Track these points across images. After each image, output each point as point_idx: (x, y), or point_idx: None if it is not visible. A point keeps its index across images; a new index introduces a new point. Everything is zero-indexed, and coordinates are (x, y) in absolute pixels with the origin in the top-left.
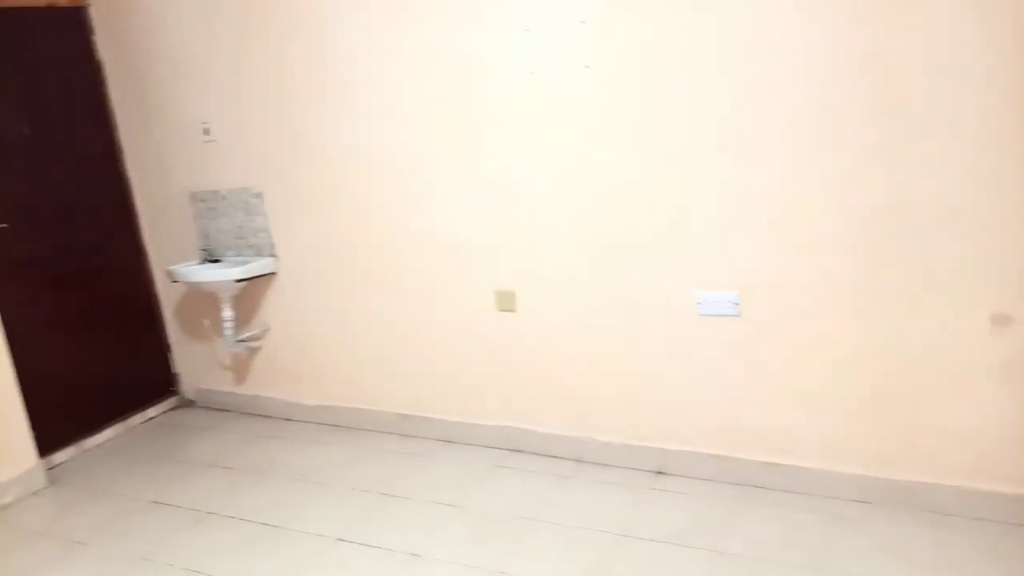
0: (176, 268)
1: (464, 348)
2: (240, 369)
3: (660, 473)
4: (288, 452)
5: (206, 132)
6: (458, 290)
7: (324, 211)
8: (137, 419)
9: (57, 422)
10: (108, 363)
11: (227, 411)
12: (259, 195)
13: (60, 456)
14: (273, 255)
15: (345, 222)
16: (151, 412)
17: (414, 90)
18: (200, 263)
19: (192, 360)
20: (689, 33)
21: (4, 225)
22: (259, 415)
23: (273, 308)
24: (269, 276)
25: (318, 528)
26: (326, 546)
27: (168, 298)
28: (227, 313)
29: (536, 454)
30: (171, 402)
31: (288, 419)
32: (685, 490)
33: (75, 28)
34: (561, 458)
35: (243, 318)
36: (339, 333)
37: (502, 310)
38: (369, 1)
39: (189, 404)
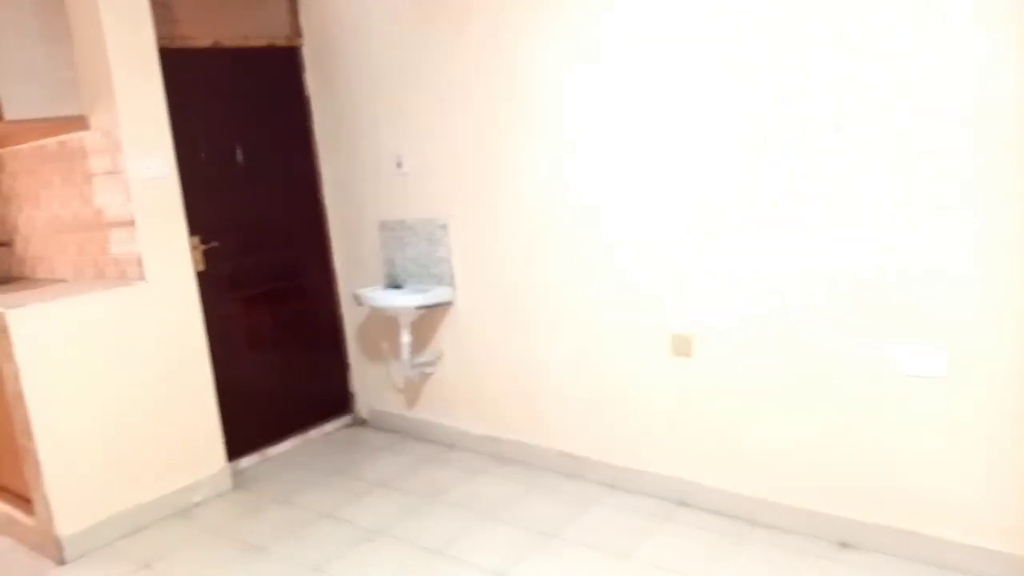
0: (362, 292)
1: (635, 391)
2: (412, 393)
3: (844, 545)
4: (455, 480)
5: (399, 165)
6: (632, 332)
7: (504, 245)
8: (315, 433)
9: (245, 430)
10: (293, 378)
11: (397, 433)
12: (444, 227)
13: (245, 462)
14: (452, 285)
15: (524, 257)
16: (328, 428)
17: (602, 127)
18: (384, 288)
19: (369, 381)
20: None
21: (215, 244)
22: (427, 440)
23: (449, 336)
24: (447, 305)
25: (481, 560)
26: None
27: (351, 320)
28: (405, 338)
29: (705, 509)
30: (346, 420)
31: (454, 446)
32: (873, 569)
33: (289, 66)
34: (732, 517)
35: (419, 344)
36: (510, 366)
37: (677, 355)
38: (560, 40)
39: (362, 423)
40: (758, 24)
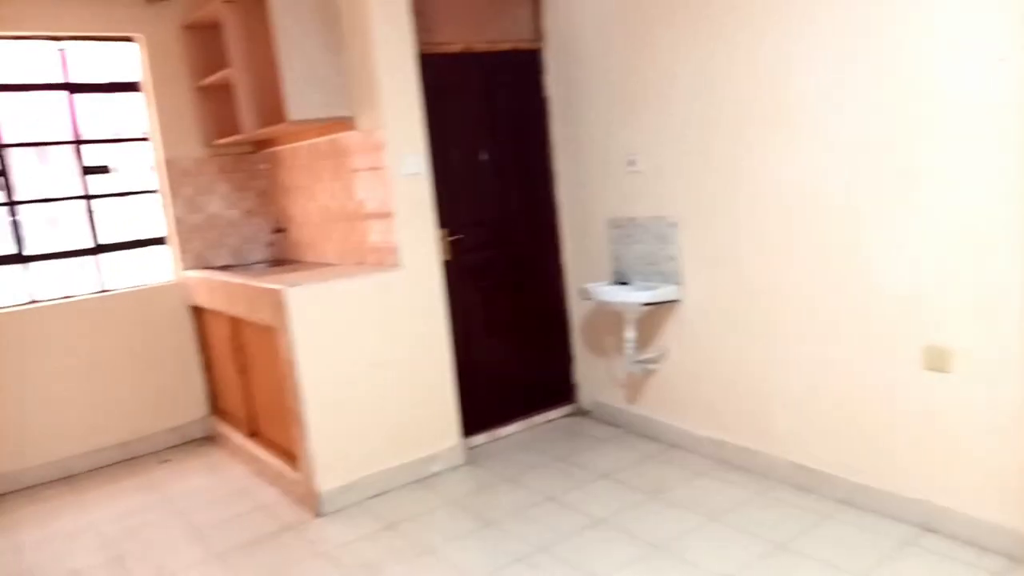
0: (590, 286)
1: (879, 405)
2: (634, 388)
3: None
4: (678, 479)
5: (631, 163)
6: (880, 341)
7: (738, 245)
8: (539, 419)
9: (477, 409)
10: (522, 365)
11: (617, 426)
12: (674, 225)
13: (477, 440)
14: (680, 283)
15: (759, 258)
16: (552, 415)
17: (848, 122)
18: (610, 284)
19: (592, 373)
20: None
21: (461, 236)
22: (648, 436)
23: (674, 334)
24: (673, 303)
25: (707, 561)
26: None
27: (577, 313)
28: (629, 334)
29: (955, 539)
30: (568, 409)
31: (675, 445)
32: None
33: (531, 68)
34: (989, 551)
35: (643, 340)
36: (739, 369)
37: (931, 369)
38: (812, 34)
39: (584, 413)
40: None
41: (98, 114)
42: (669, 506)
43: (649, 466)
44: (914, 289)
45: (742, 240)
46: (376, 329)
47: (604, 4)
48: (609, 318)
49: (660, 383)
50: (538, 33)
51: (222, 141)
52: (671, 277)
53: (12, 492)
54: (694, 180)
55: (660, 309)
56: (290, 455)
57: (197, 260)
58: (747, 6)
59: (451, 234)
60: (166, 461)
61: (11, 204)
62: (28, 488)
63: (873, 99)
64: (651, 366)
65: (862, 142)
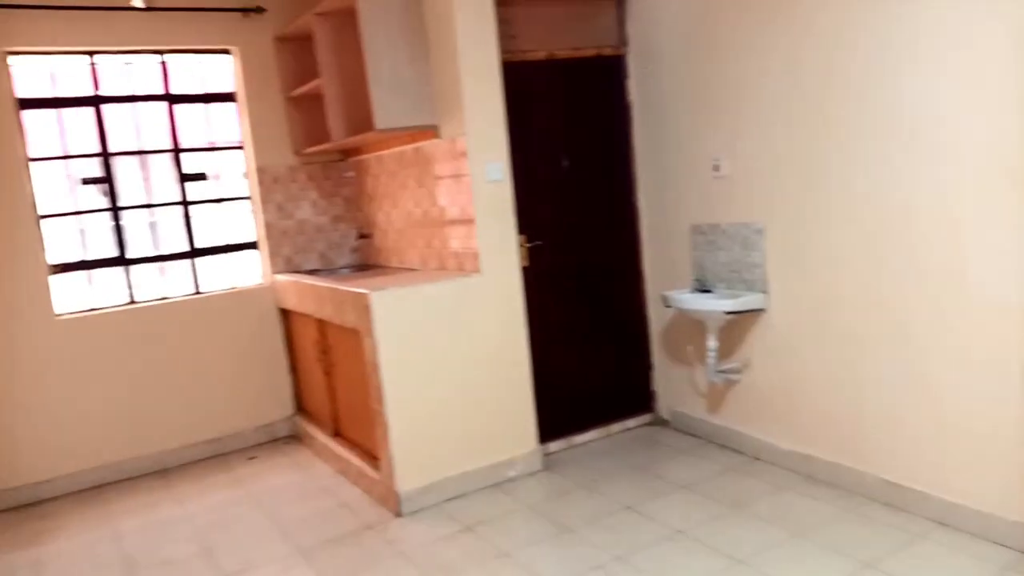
0: (671, 294)
1: (981, 423)
2: (715, 399)
3: None
4: (761, 492)
5: (716, 168)
6: (979, 355)
7: (828, 253)
8: (616, 428)
9: (554, 416)
10: (599, 372)
11: (697, 437)
12: (760, 231)
13: (553, 446)
14: (765, 292)
15: (850, 266)
16: (629, 424)
17: (948, 124)
18: (692, 292)
19: (671, 382)
20: None
21: (539, 242)
22: (728, 447)
23: (757, 344)
24: (757, 312)
25: None
26: None
27: (657, 321)
28: (712, 343)
29: None
30: (646, 418)
31: (757, 458)
32: None
33: (614, 74)
34: None
35: (726, 349)
36: (828, 381)
37: None
38: (913, 33)
39: (663, 423)
40: None
41: (196, 123)
42: (751, 519)
43: (731, 478)
44: (1020, 299)
45: (831, 247)
46: (456, 333)
47: (688, 7)
48: (690, 326)
49: (743, 394)
50: (622, 39)
51: (311, 149)
52: (756, 285)
53: (113, 483)
54: (781, 185)
55: (744, 318)
56: (372, 455)
57: (286, 264)
58: (838, 4)
59: (530, 240)
60: (253, 458)
61: (115, 209)
62: (127, 479)
63: (974, 100)
64: (734, 376)
65: (962, 143)
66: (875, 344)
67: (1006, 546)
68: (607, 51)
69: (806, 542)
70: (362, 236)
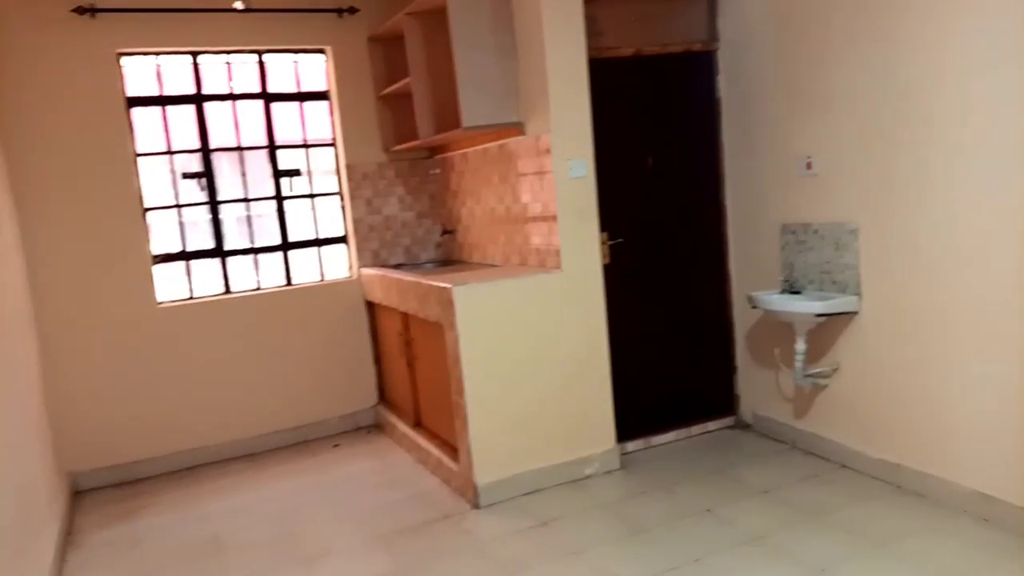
0: (758, 295)
1: None
2: (801, 403)
3: None
4: (843, 501)
5: (808, 166)
6: None
7: (925, 255)
8: (696, 429)
9: (632, 415)
10: (681, 373)
11: (781, 442)
12: (854, 231)
13: (631, 446)
14: (857, 294)
15: (944, 268)
16: (710, 426)
17: None
18: (780, 293)
19: (754, 385)
20: None
21: (621, 240)
22: (814, 454)
23: (848, 348)
24: (849, 315)
25: None
26: None
27: (742, 322)
28: (800, 346)
29: None
30: (728, 421)
31: (844, 466)
32: None
33: (703, 70)
34: None
35: (814, 353)
36: (922, 388)
37: None
38: (1004, 31)
39: (745, 427)
40: None
41: (291, 120)
42: (831, 529)
43: (812, 485)
44: None
45: (928, 249)
46: (537, 329)
47: (781, 1)
48: (778, 329)
49: (831, 399)
50: (712, 34)
51: (400, 147)
52: (848, 287)
53: (204, 464)
54: (876, 184)
55: (835, 321)
56: (451, 446)
57: (373, 258)
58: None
59: (612, 237)
60: (337, 446)
61: (213, 203)
62: (217, 462)
63: None
64: (822, 381)
65: None
66: (970, 349)
67: None
68: (696, 47)
69: (888, 555)
70: (446, 232)
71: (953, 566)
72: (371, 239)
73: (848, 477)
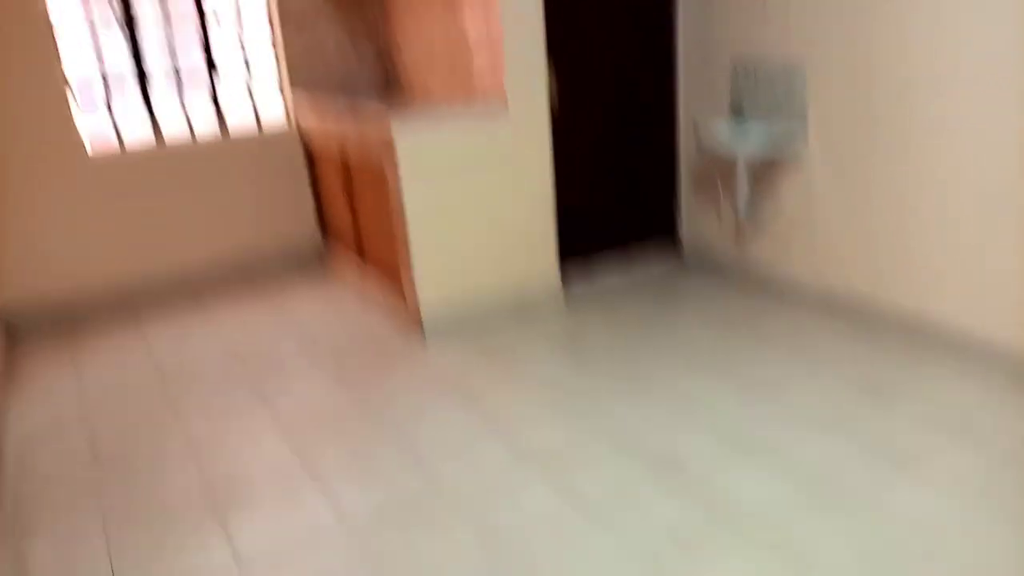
0: (703, 122)
1: (984, 238)
2: (743, 235)
3: None
4: (779, 322)
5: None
6: (1002, 188)
7: (872, 89)
8: (638, 259)
9: (574, 246)
10: (624, 202)
11: (722, 275)
12: (800, 66)
13: (573, 277)
14: (803, 126)
15: (894, 104)
16: (651, 256)
17: None
18: (727, 122)
19: (696, 216)
20: None
21: (569, 76)
22: (755, 285)
23: (790, 184)
24: (794, 147)
25: (801, 402)
26: (815, 430)
27: (687, 153)
28: (743, 177)
29: None
30: (670, 250)
31: (783, 294)
32: None
33: None
34: None
35: (758, 186)
36: (864, 220)
37: None
38: None
39: (687, 259)
40: None
41: None
42: (765, 344)
43: (755, 314)
44: None
45: (875, 85)
46: (481, 162)
47: None
48: (722, 162)
49: (772, 231)
50: None
51: None
52: (794, 119)
53: (147, 304)
54: (827, 19)
55: (779, 153)
56: (396, 280)
57: (306, 81)
58: None
59: (560, 60)
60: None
61: (129, 23)
62: (160, 303)
63: None
64: (764, 213)
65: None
66: (902, 187)
67: (1006, 371)
68: None
69: (820, 372)
70: (382, 58)
71: (873, 374)
72: (302, 70)
73: (789, 307)
